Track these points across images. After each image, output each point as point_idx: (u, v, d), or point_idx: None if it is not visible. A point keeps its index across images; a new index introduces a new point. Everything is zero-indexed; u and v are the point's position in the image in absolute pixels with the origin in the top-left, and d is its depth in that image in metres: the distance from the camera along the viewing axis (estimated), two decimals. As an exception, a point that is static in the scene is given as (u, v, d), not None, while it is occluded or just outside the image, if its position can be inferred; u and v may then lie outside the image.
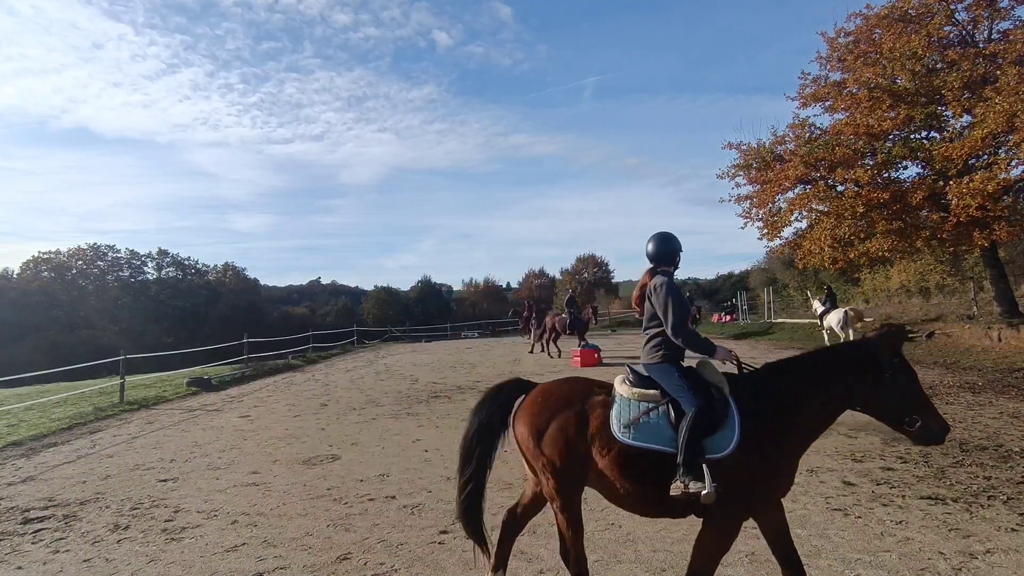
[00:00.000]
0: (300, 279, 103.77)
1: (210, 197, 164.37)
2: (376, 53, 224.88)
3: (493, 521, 3.80)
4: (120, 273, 51.98)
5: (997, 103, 12.76)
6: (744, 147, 18.49)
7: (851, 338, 12.59)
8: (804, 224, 18.32)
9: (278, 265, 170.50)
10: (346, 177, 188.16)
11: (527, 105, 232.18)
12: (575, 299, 19.29)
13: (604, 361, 15.71)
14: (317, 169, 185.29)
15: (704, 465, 2.81)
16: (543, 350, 18.91)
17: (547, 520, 4.56)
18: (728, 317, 32.00)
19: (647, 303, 3.37)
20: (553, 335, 18.24)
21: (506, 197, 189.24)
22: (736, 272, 52.04)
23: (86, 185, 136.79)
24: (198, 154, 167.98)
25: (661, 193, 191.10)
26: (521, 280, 69.10)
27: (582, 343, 17.27)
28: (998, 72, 13.66)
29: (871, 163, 16.10)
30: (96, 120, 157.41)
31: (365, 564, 3.96)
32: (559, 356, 17.78)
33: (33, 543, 4.63)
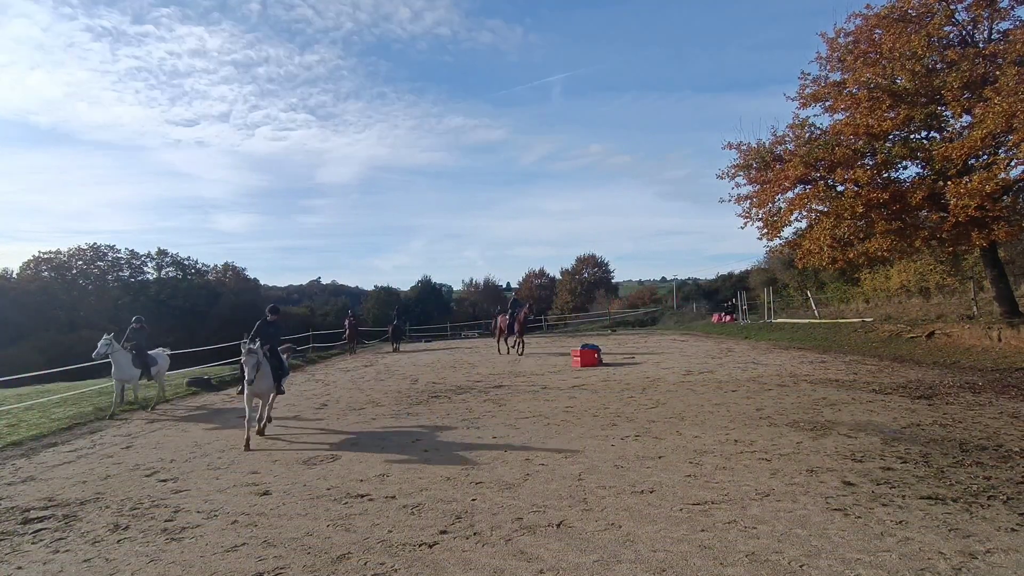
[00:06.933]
0: (295, 280, 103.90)
1: (192, 197, 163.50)
2: (328, 38, 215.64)
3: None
4: (120, 273, 52.06)
5: (997, 103, 12.76)
6: (744, 147, 18.50)
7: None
8: (804, 224, 18.34)
9: (270, 265, 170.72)
10: (324, 176, 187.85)
11: (493, 104, 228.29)
12: (518, 301, 20.45)
13: (604, 361, 15.73)
14: (292, 168, 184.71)
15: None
16: (506, 350, 20.37)
17: (547, 520, 4.57)
18: (728, 317, 31.98)
19: None
20: (503, 334, 20.13)
21: (490, 197, 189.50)
22: (736, 272, 51.98)
23: (29, 172, 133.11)
24: (170, 154, 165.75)
25: (647, 191, 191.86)
26: (521, 280, 69.22)
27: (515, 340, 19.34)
28: (998, 72, 13.66)
29: (871, 163, 16.10)
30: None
31: (365, 564, 3.96)
32: (507, 352, 19.78)
33: (33, 543, 4.63)
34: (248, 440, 7.56)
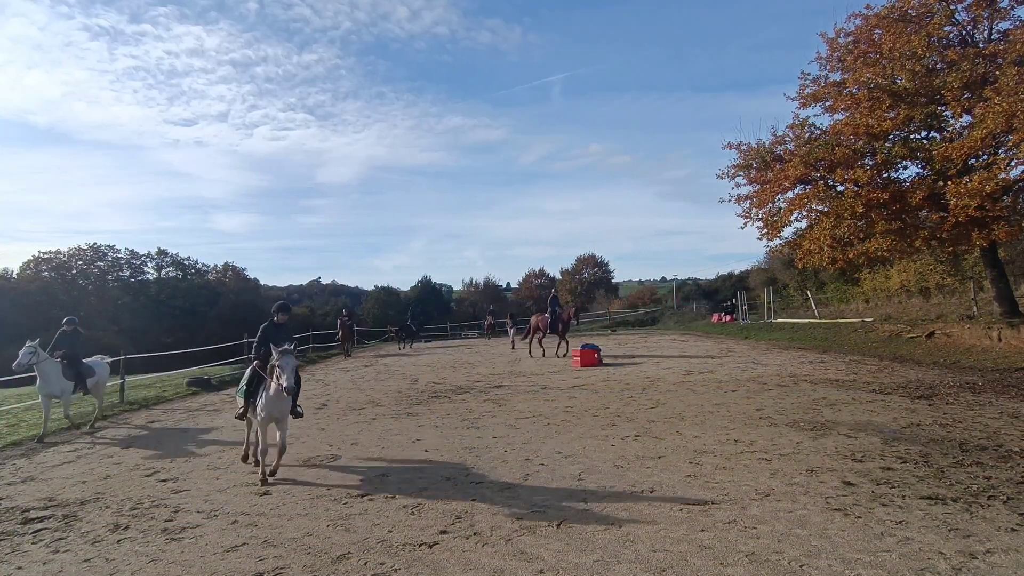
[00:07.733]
0: (295, 280, 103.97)
1: (191, 197, 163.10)
2: (327, 37, 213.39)
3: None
4: (120, 273, 51.95)
5: (996, 103, 12.76)
6: (744, 147, 18.51)
7: None
8: (804, 224, 18.36)
9: (270, 265, 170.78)
10: (323, 176, 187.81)
11: (493, 104, 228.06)
12: (557, 298, 19.31)
13: (604, 361, 15.72)
14: (291, 168, 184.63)
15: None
16: (541, 352, 19.38)
17: (546, 520, 4.57)
18: (728, 317, 31.96)
19: None
20: (539, 334, 18.71)
21: (490, 197, 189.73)
22: (736, 272, 51.98)
23: (29, 172, 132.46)
24: (169, 153, 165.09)
25: (647, 191, 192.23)
26: (521, 280, 69.22)
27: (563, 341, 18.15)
28: (998, 72, 13.67)
29: (871, 163, 16.11)
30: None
31: (365, 564, 3.96)
32: (543, 355, 18.41)
33: (33, 543, 4.64)
34: (265, 475, 5.95)
